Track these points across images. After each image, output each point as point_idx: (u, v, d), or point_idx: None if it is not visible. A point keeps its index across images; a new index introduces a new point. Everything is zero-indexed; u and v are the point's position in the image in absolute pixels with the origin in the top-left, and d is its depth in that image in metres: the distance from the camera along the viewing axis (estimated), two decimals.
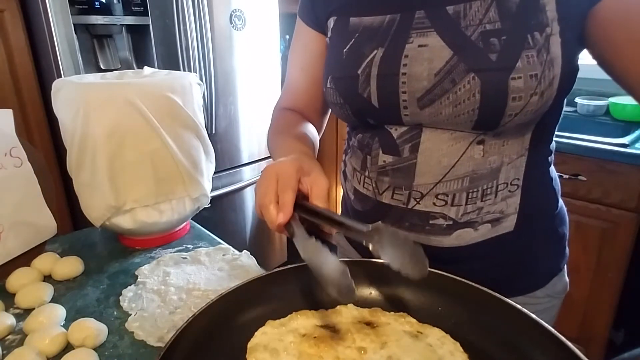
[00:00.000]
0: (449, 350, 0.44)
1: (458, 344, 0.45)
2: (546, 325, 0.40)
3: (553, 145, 0.64)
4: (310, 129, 0.71)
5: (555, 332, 0.39)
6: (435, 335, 0.46)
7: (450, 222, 0.59)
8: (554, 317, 0.70)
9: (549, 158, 0.63)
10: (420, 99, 0.54)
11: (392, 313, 0.49)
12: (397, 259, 0.42)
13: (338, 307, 0.49)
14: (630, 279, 1.50)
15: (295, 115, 0.74)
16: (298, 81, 0.75)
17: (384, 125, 0.59)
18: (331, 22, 0.64)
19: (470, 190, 0.57)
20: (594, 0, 0.49)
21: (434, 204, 0.58)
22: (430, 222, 0.59)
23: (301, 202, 0.48)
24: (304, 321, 0.47)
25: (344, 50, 0.60)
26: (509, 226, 0.60)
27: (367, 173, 0.64)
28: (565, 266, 0.70)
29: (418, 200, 0.59)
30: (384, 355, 0.43)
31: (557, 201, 0.66)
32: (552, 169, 0.65)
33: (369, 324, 0.47)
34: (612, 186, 1.43)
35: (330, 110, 0.78)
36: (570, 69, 0.52)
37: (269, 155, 2.39)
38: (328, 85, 0.63)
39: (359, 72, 0.58)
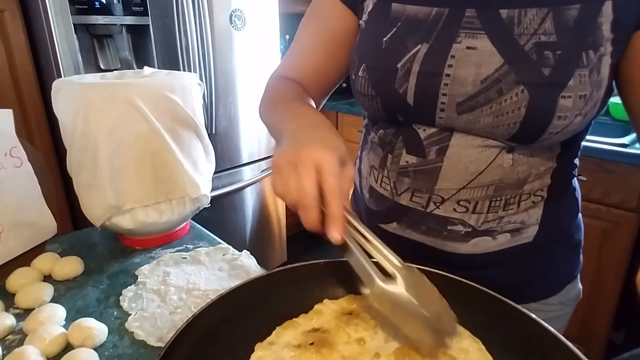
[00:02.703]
0: None
1: None
2: (546, 325, 0.40)
3: (577, 160, 0.62)
4: (313, 104, 0.63)
5: (555, 332, 0.39)
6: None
7: (469, 230, 0.57)
8: (565, 325, 0.68)
9: (574, 171, 0.62)
10: (460, 104, 0.51)
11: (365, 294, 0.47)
12: (427, 307, 0.39)
13: (316, 306, 0.49)
14: (630, 279, 1.50)
15: (298, 87, 0.65)
16: (309, 54, 0.67)
17: (412, 124, 0.56)
18: (369, 5, 0.59)
19: (494, 199, 0.55)
20: (637, 26, 0.47)
21: (455, 209, 0.56)
22: (449, 227, 0.58)
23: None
24: (291, 332, 0.46)
25: (384, 39, 0.55)
26: (528, 237, 0.58)
27: (385, 172, 0.61)
28: (579, 273, 0.68)
29: (438, 204, 0.57)
30: (381, 338, 0.43)
31: (578, 211, 0.65)
32: (575, 179, 0.64)
33: (351, 313, 0.47)
34: (612, 186, 1.43)
35: (330, 93, 0.72)
36: (610, 92, 0.51)
37: (268, 155, 2.39)
38: (360, 74, 0.58)
39: (399, 65, 0.53)
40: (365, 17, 0.60)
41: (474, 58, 0.49)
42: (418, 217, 0.59)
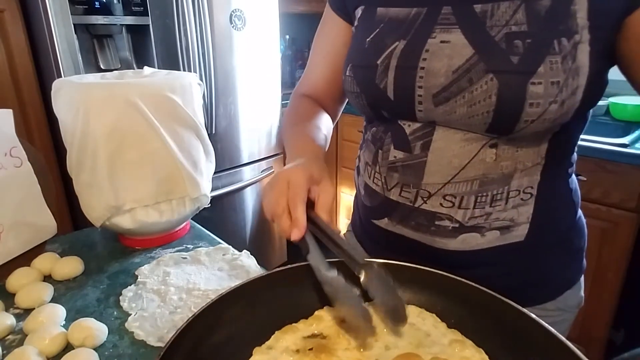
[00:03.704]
0: (432, 324, 0.46)
1: (434, 315, 0.47)
2: (546, 325, 0.40)
3: (574, 158, 0.62)
4: (325, 122, 0.71)
5: (555, 332, 0.39)
6: (413, 313, 0.48)
7: (456, 225, 0.58)
8: (565, 332, 0.67)
9: (569, 170, 0.61)
10: (436, 96, 0.53)
11: (366, 303, 0.49)
12: (382, 300, 0.46)
13: (316, 312, 0.49)
14: (630, 279, 1.50)
15: (312, 104, 0.73)
16: (319, 68, 0.75)
17: (397, 119, 0.59)
18: (359, 12, 0.64)
19: (480, 194, 0.56)
20: (629, 9, 0.46)
21: (441, 204, 0.57)
22: (436, 223, 0.58)
23: (307, 212, 0.49)
24: (290, 337, 0.46)
25: (367, 39, 0.60)
26: (519, 235, 0.58)
27: (377, 168, 0.63)
28: (582, 280, 0.67)
29: (425, 199, 0.58)
30: (381, 346, 0.43)
31: (575, 213, 0.64)
32: (573, 180, 0.63)
33: None
34: (612, 186, 1.43)
35: (347, 100, 0.77)
36: (598, 82, 0.50)
37: (268, 155, 2.40)
38: (347, 74, 0.63)
39: (378, 62, 0.57)
40: (356, 22, 0.65)
41: (447, 51, 0.52)
42: (407, 212, 0.60)
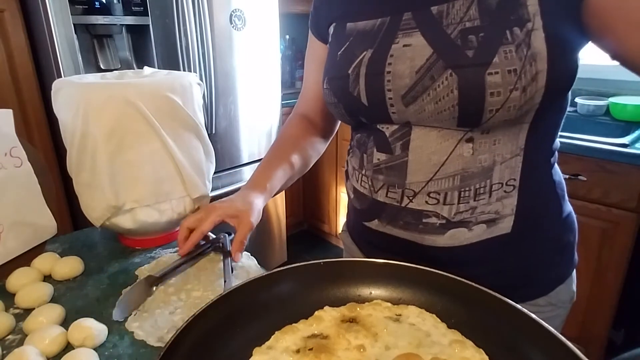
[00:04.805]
0: (432, 325, 0.47)
1: (434, 315, 0.47)
2: (546, 325, 0.40)
3: (556, 146, 0.62)
4: (308, 150, 0.80)
5: (555, 332, 0.39)
6: (413, 313, 0.48)
7: (443, 221, 0.59)
8: (559, 328, 0.68)
9: (551, 159, 0.62)
10: (404, 96, 0.55)
11: (367, 303, 0.50)
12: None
13: (316, 312, 0.49)
14: (630, 279, 1.50)
15: (301, 132, 0.81)
16: (308, 87, 0.82)
17: (376, 124, 0.61)
18: (331, 29, 0.68)
19: (462, 189, 0.57)
20: None
21: (427, 202, 0.59)
22: (424, 220, 0.59)
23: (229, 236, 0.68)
24: (290, 337, 0.46)
25: (339, 52, 0.63)
26: (505, 227, 0.59)
27: (364, 171, 0.65)
28: (574, 275, 0.68)
29: (411, 198, 0.59)
30: (381, 346, 0.44)
31: (561, 206, 0.64)
32: (557, 171, 0.63)
33: (352, 320, 0.47)
34: (612, 186, 1.43)
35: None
36: (563, 66, 0.51)
37: None
38: (325, 86, 0.67)
39: (349, 71, 0.60)
40: (329, 39, 0.69)
41: (409, 53, 0.55)
42: (395, 212, 0.62)
